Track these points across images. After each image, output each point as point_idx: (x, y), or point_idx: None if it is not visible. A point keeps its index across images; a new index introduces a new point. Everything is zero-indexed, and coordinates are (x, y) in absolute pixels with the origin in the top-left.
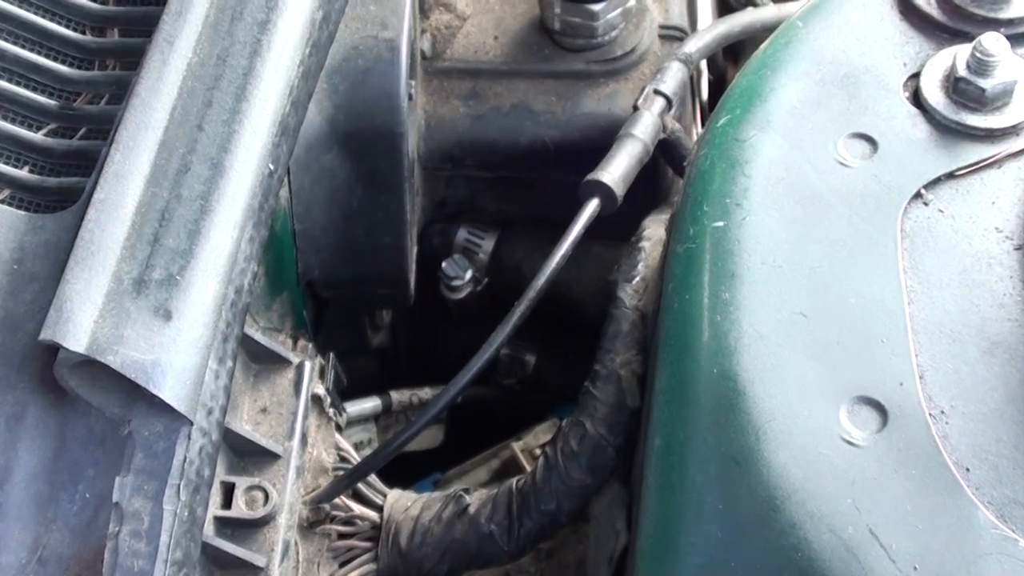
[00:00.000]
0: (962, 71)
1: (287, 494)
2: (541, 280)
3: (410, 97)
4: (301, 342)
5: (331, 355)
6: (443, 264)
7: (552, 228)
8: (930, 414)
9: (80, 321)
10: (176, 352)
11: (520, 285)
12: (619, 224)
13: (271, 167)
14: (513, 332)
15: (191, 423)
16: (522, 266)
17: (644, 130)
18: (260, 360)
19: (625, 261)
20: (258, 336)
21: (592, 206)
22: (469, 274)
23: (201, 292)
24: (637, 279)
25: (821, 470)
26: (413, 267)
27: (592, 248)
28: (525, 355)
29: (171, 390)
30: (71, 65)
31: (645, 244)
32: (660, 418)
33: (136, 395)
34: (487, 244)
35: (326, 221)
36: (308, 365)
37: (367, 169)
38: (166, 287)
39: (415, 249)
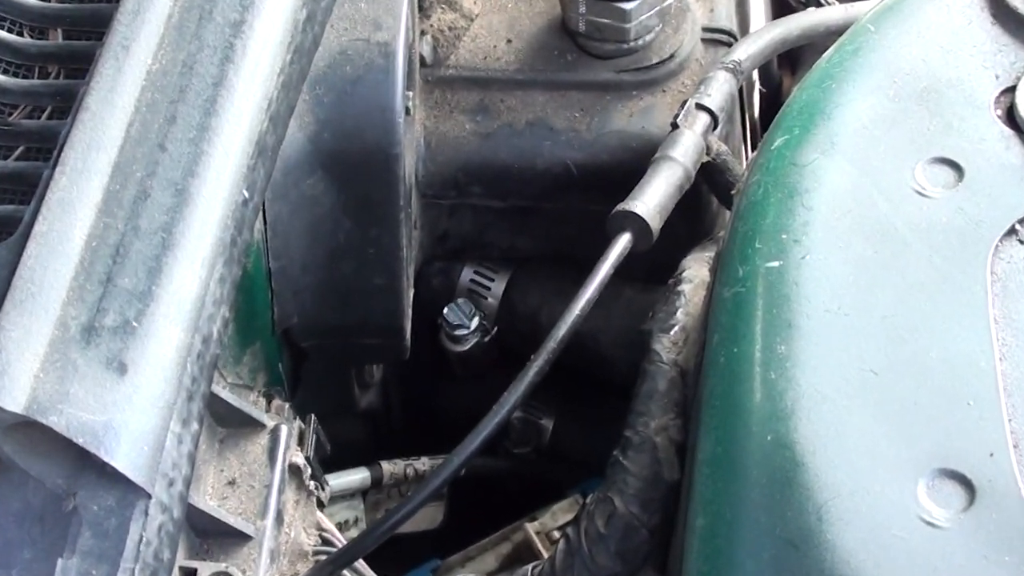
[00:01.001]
0: None
1: None
2: (562, 330)
3: (407, 111)
4: (276, 402)
5: (311, 417)
6: (445, 310)
7: (575, 268)
8: None
9: (17, 375)
10: (132, 412)
11: (536, 335)
12: (654, 264)
13: (245, 194)
14: (528, 391)
15: (149, 496)
16: (539, 313)
17: (685, 152)
18: (227, 423)
19: (661, 308)
20: (225, 394)
21: (623, 242)
22: (476, 322)
23: (162, 341)
24: (676, 329)
25: (895, 556)
26: (409, 313)
27: (622, 292)
28: (542, 419)
29: (126, 457)
30: (6, 72)
31: (685, 288)
32: (703, 494)
33: (84, 463)
34: (497, 286)
35: (307, 258)
36: (284, 429)
37: (356, 196)
38: (121, 335)
39: (412, 292)
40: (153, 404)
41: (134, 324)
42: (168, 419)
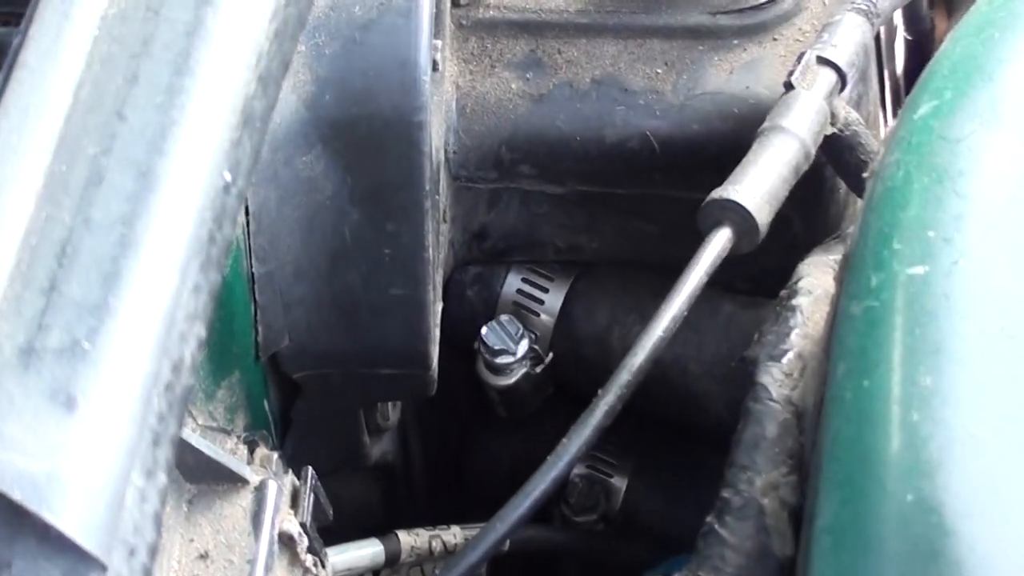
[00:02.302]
0: None
1: None
2: (639, 357)
3: (435, 67)
4: (261, 451)
5: (308, 471)
6: (483, 330)
7: (656, 276)
8: None
9: None
10: (82, 458)
11: (604, 364)
12: (762, 270)
13: (227, 176)
14: (594, 439)
15: (104, 569)
16: (608, 335)
17: (802, 122)
18: (198, 477)
19: (771, 329)
20: (195, 440)
21: (720, 241)
22: (524, 346)
23: (121, 368)
24: (789, 356)
25: None
26: (436, 335)
27: (720, 308)
28: (612, 476)
29: (75, 516)
30: None
31: (802, 302)
32: (825, 571)
33: (21, 523)
34: (553, 299)
35: (301, 261)
36: (273, 486)
37: (367, 180)
38: (68, 360)
39: (439, 306)
40: (109, 449)
41: (85, 345)
42: (128, 469)
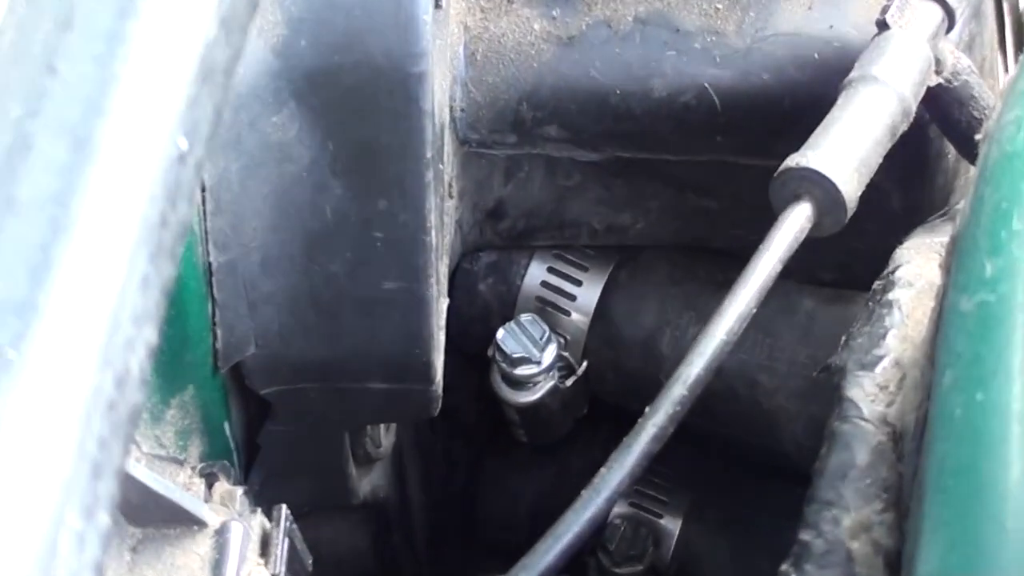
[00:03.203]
0: None
1: None
2: (696, 366)
3: (437, 3)
4: (222, 485)
5: (281, 511)
6: (500, 333)
7: (716, 266)
8: None
9: None
10: (6, 495)
11: (652, 376)
12: (850, 255)
13: (182, 144)
14: (640, 471)
15: None
16: (657, 339)
17: (898, 70)
18: (144, 519)
19: (862, 329)
20: (140, 473)
21: (798, 219)
22: (551, 353)
23: (52, 382)
24: (884, 364)
25: None
26: (441, 340)
27: (797, 304)
28: (662, 517)
29: None
30: None
31: (900, 296)
32: None
33: None
34: (587, 294)
35: (271, 248)
36: (236, 530)
37: (352, 145)
38: None
39: (445, 304)
40: (39, 482)
41: (9, 354)
42: (63, 507)
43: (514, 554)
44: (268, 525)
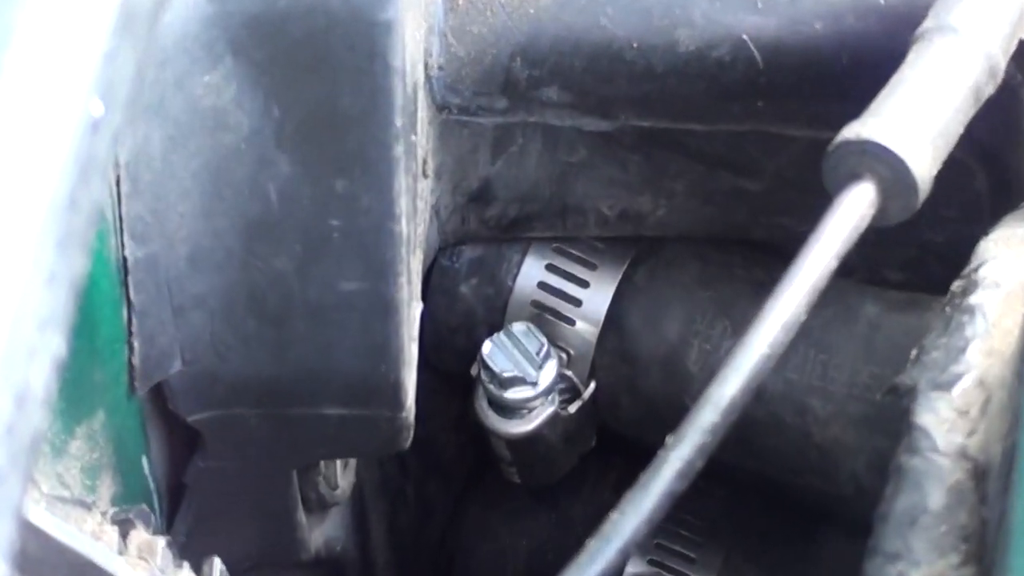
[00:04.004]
0: None
1: None
2: (731, 387)
3: None
4: (139, 534)
5: (215, 565)
6: (486, 348)
7: (756, 260)
8: None
9: None
10: None
11: (676, 398)
12: (924, 250)
13: (97, 108)
14: (660, 516)
15: None
16: (683, 353)
17: (981, 22)
18: (44, 574)
19: (937, 341)
20: (39, 518)
21: (858, 204)
22: (550, 371)
23: None
24: (965, 384)
25: None
26: (413, 354)
27: (858, 310)
28: (690, 571)
29: None
30: None
31: (985, 299)
32: None
33: None
34: (596, 298)
35: (202, 239)
36: None
37: (302, 111)
38: None
39: (418, 309)
40: None
41: None
42: None
43: None
44: None
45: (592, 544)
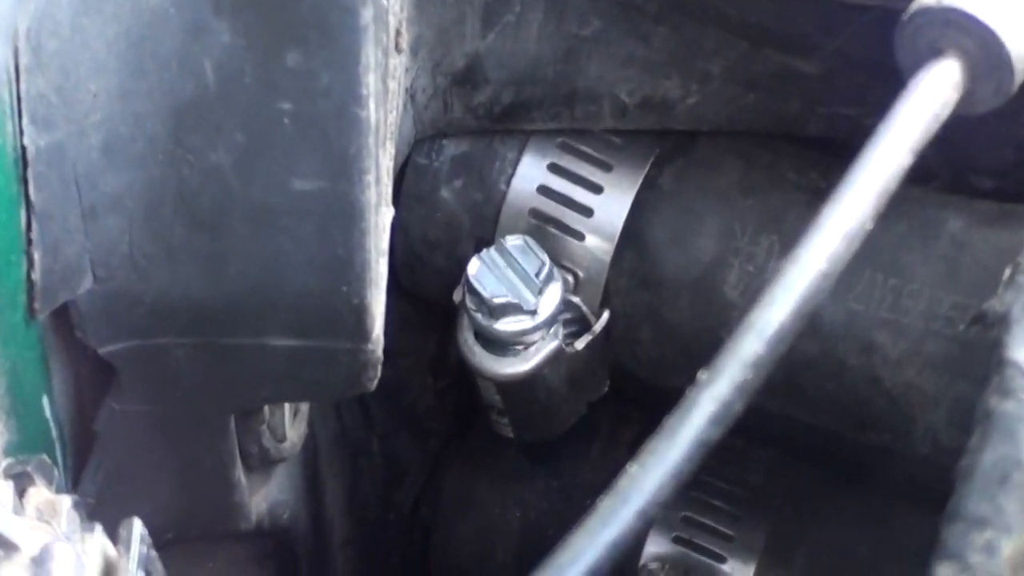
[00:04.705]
0: None
1: None
2: (779, 311)
3: None
4: (39, 492)
5: (134, 528)
6: (472, 267)
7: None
8: None
9: None
10: None
11: (710, 332)
12: (1020, 149)
13: None
14: (688, 476)
15: None
16: (720, 275)
17: None
18: None
19: None
20: None
21: (938, 88)
22: (553, 296)
23: None
24: None
25: None
26: (382, 272)
27: (940, 223)
28: (724, 560)
29: None
30: None
31: None
32: None
33: None
34: (610, 206)
35: (119, 125)
36: (64, 557)
37: None
38: None
39: (389, 216)
40: None
41: None
42: None
43: None
44: (113, 553)
45: (605, 503)
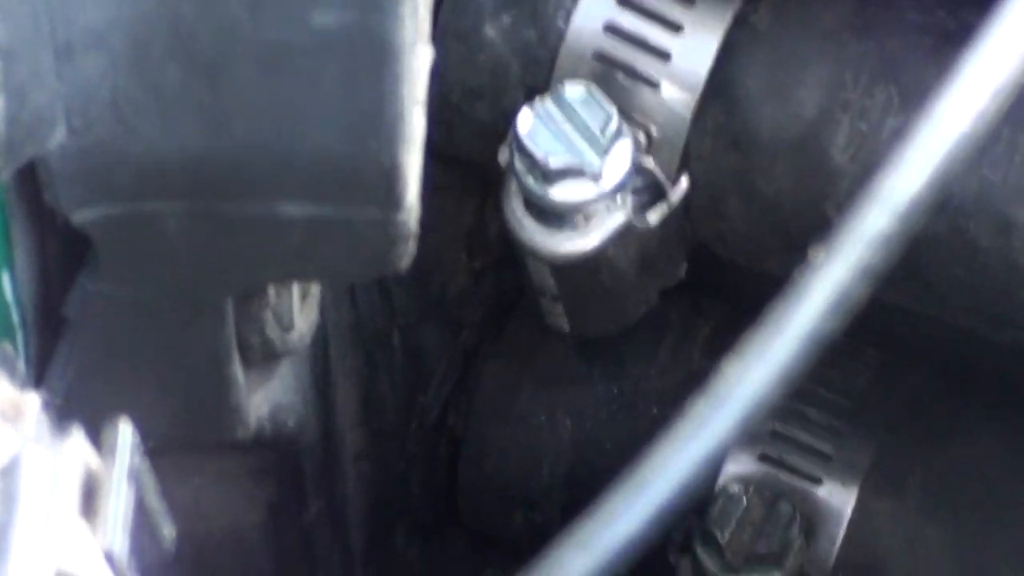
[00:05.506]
0: None
1: None
2: (913, 176)
3: None
4: (2, 389)
5: (120, 433)
6: (522, 118)
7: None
8: None
9: None
10: None
11: (815, 204)
12: None
13: None
14: (788, 383)
15: None
16: (827, 133)
17: None
18: None
19: None
20: None
21: None
22: (621, 157)
23: None
24: None
25: None
26: (419, 128)
27: None
28: (821, 483)
29: None
30: None
31: None
32: None
33: None
34: (692, 48)
35: None
36: (36, 466)
37: None
38: None
39: (428, 59)
40: None
41: None
42: None
43: (531, 543)
44: (95, 464)
45: (696, 407)
